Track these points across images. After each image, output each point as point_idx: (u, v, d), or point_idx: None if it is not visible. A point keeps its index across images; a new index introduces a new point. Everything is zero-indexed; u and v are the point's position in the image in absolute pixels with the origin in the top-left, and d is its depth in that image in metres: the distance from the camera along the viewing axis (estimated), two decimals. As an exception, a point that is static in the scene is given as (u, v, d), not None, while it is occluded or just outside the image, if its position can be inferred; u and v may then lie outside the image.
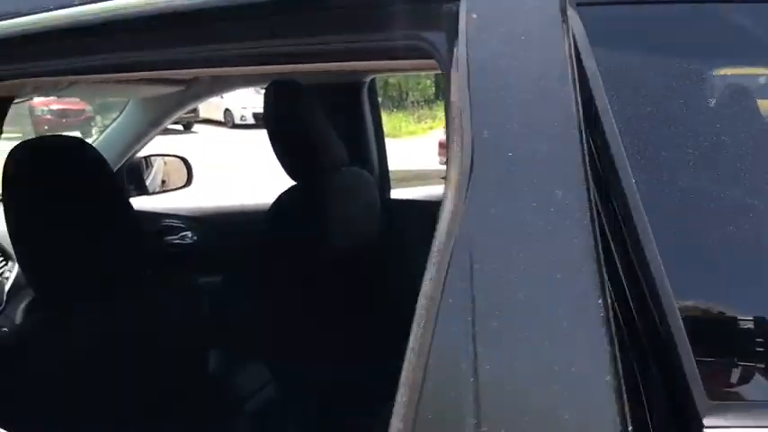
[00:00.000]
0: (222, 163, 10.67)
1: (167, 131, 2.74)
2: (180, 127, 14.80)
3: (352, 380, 2.11)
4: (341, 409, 1.89)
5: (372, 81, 2.18)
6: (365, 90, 2.16)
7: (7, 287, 1.92)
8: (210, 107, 16.02)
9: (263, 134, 1.86)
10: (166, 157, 2.69)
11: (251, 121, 15.95)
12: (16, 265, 1.99)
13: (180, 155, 2.73)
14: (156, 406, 1.26)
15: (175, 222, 2.50)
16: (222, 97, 16.10)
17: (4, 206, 1.10)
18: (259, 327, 1.81)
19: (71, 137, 1.19)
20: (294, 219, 1.81)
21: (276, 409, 1.63)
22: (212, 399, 1.53)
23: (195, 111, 15.05)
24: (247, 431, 1.55)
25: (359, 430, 1.48)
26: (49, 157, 1.13)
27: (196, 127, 15.62)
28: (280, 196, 1.81)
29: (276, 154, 1.83)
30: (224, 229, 2.44)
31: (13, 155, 1.10)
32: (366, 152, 2.16)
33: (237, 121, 15.98)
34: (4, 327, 1.75)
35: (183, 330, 1.29)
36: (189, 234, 2.50)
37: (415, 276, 0.63)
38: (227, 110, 16.18)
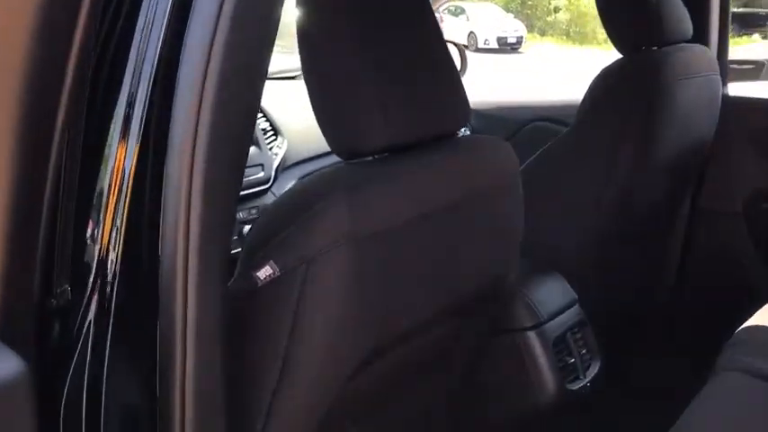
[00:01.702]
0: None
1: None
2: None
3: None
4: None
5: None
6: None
7: (275, 164, 1.78)
8: (455, 30, 15.79)
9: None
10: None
11: (494, 45, 15.53)
12: (286, 141, 1.86)
13: (456, 41, 2.45)
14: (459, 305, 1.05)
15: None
16: (468, 19, 15.82)
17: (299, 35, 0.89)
18: (560, 233, 1.51)
19: None
20: (617, 100, 1.45)
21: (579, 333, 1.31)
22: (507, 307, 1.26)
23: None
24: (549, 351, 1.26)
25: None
26: None
27: (439, 49, 15.60)
28: (602, 72, 1.47)
29: (604, 24, 1.51)
30: (503, 123, 2.13)
31: None
32: (706, 29, 1.69)
33: (481, 45, 15.59)
34: None
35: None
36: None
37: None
38: (471, 33, 15.84)
